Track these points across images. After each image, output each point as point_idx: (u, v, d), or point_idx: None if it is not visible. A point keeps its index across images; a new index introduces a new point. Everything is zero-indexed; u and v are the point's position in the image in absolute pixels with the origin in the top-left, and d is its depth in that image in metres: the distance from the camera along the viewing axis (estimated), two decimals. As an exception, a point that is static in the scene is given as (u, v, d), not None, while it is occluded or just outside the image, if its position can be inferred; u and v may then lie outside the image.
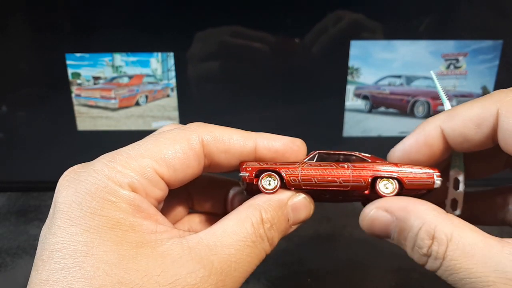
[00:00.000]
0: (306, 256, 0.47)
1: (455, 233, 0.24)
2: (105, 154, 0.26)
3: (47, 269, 0.22)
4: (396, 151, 0.30)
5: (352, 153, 0.30)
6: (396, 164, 0.28)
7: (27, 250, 0.49)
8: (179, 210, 0.33)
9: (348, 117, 0.59)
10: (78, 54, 0.56)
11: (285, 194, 0.28)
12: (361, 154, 0.30)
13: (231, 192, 0.34)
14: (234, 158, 0.28)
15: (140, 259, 0.23)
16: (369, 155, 0.30)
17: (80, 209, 0.23)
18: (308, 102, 0.58)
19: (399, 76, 0.57)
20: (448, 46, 0.55)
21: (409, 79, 0.57)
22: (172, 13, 0.54)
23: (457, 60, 0.55)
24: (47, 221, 0.24)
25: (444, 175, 0.30)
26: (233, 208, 0.33)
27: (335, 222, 0.53)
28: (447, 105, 0.30)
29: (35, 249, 0.24)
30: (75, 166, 0.26)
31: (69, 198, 0.24)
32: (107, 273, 0.22)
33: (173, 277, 0.23)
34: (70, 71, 0.57)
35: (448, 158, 0.30)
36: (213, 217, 0.34)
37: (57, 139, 0.60)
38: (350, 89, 0.58)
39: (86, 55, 0.56)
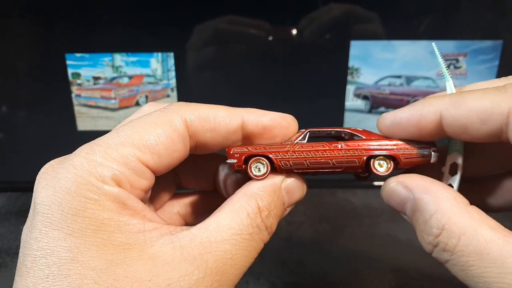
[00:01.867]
0: (306, 256, 0.47)
1: (470, 228, 0.22)
2: (83, 146, 0.24)
3: (32, 276, 0.21)
4: (386, 119, 0.27)
5: (345, 129, 0.29)
6: (390, 140, 0.27)
7: (27, 250, 0.49)
8: (166, 191, 0.32)
9: (348, 117, 0.59)
10: (78, 54, 0.56)
11: (278, 177, 0.27)
12: (353, 130, 0.28)
13: (221, 171, 0.32)
14: (221, 136, 0.26)
15: (129, 263, 0.21)
16: (361, 129, 0.28)
17: (61, 211, 0.22)
18: (308, 102, 0.58)
19: (399, 76, 0.57)
20: (448, 46, 0.55)
21: (409, 79, 0.57)
22: (172, 13, 0.54)
23: (457, 60, 0.55)
24: (27, 221, 0.23)
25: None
26: (225, 188, 0.31)
27: (335, 222, 0.53)
28: (450, 83, 0.28)
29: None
30: (52, 162, 0.24)
31: (48, 199, 0.22)
32: (95, 281, 0.21)
33: (165, 282, 0.21)
34: (70, 71, 0.57)
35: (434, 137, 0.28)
36: (202, 196, 0.33)
37: (57, 139, 0.60)
38: (350, 89, 0.58)
39: (86, 55, 0.56)
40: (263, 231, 0.25)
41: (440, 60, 0.28)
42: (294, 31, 0.54)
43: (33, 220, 0.22)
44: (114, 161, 0.23)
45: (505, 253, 0.21)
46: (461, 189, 0.27)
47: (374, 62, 0.56)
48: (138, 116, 0.26)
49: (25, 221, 0.23)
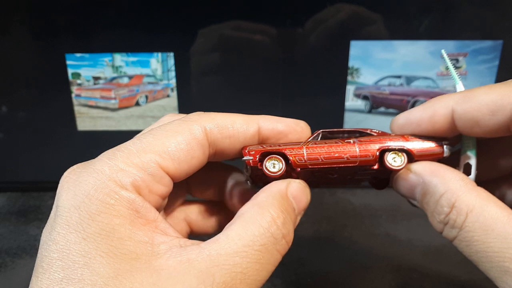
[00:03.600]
0: (306, 256, 0.47)
1: (477, 205, 0.23)
2: (105, 152, 0.25)
3: (47, 277, 0.21)
4: (400, 118, 0.29)
5: (357, 130, 0.29)
6: (403, 136, 0.28)
7: (27, 250, 0.49)
8: (177, 198, 0.32)
9: (348, 117, 0.59)
10: (78, 54, 0.56)
11: (282, 184, 0.27)
12: (365, 130, 0.29)
13: (230, 182, 0.32)
14: (239, 143, 0.28)
15: (135, 274, 0.21)
16: (375, 130, 0.29)
17: (78, 214, 0.22)
18: (308, 102, 0.58)
19: (399, 76, 0.57)
20: (448, 46, 0.55)
21: (409, 79, 0.57)
22: (172, 13, 0.54)
23: (457, 60, 0.55)
24: (48, 224, 0.24)
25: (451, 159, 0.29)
26: (231, 198, 0.32)
27: (335, 222, 0.53)
28: (460, 86, 0.29)
29: (35, 249, 0.23)
30: (75, 166, 0.25)
31: (68, 202, 0.23)
32: None
33: None
34: (70, 71, 0.57)
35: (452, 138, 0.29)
36: (210, 205, 0.33)
37: (57, 139, 0.60)
38: (350, 89, 0.58)
39: (86, 55, 0.56)
40: (279, 241, 0.24)
41: (450, 65, 0.30)
42: (295, 32, 0.54)
43: (54, 222, 0.23)
44: (135, 166, 0.24)
45: (509, 229, 0.22)
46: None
47: (374, 62, 0.56)
48: (158, 126, 0.27)
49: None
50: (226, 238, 0.23)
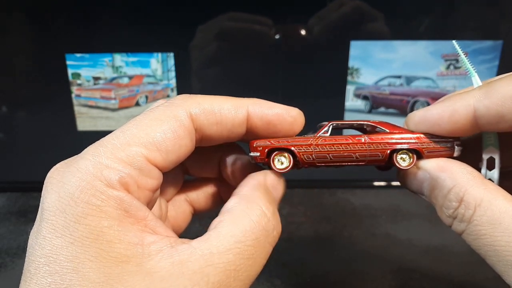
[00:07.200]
0: (306, 256, 0.47)
1: (485, 199, 0.23)
2: (88, 147, 0.24)
3: (34, 282, 0.21)
4: (416, 116, 0.27)
5: (367, 122, 0.29)
6: (414, 133, 0.27)
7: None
8: (176, 182, 0.31)
9: (348, 117, 0.59)
10: (78, 54, 0.56)
11: (260, 176, 0.26)
12: (376, 123, 0.29)
13: (228, 159, 0.31)
14: (226, 129, 0.26)
15: (126, 278, 0.20)
16: (384, 122, 0.29)
17: (64, 218, 0.21)
18: (308, 103, 0.58)
19: (399, 77, 0.57)
20: (448, 46, 0.55)
21: (409, 80, 0.57)
22: (172, 13, 0.54)
23: (457, 61, 0.55)
24: (34, 227, 0.23)
25: (471, 154, 0.28)
26: (232, 174, 0.31)
27: (335, 222, 0.53)
28: (476, 78, 0.28)
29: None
30: (58, 165, 0.24)
31: (53, 205, 0.22)
32: None
33: None
34: (70, 71, 0.57)
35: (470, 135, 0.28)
36: (209, 183, 0.33)
37: (57, 139, 0.60)
38: (350, 89, 0.58)
39: (86, 55, 0.56)
40: (270, 233, 0.24)
41: (463, 56, 0.29)
42: (295, 32, 0.54)
43: (39, 225, 0.22)
44: (121, 162, 0.23)
45: None
46: (503, 185, 0.27)
47: (374, 62, 0.56)
48: (142, 113, 0.25)
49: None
50: (217, 235, 0.22)
